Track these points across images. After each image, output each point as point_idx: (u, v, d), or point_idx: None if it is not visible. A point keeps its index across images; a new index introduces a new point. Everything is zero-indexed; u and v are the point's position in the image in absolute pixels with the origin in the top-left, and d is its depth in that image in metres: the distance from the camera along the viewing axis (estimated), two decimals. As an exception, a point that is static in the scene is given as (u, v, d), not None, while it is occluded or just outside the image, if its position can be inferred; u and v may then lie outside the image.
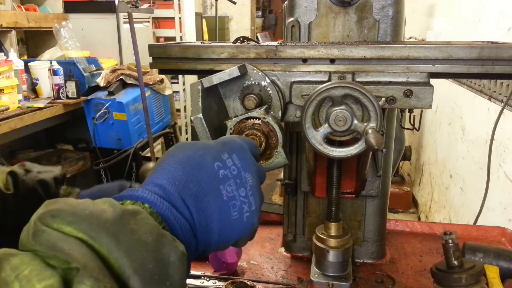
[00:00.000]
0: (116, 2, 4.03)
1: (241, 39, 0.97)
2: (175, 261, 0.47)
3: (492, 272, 1.13)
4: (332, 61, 0.90)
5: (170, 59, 0.96)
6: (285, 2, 1.19)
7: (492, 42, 0.91)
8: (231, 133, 0.85)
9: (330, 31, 1.15)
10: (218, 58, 0.92)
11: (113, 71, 3.69)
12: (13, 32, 3.46)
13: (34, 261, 0.41)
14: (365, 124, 0.81)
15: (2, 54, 3.17)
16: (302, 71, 0.91)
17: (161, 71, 1.01)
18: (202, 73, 0.93)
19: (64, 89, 3.34)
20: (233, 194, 0.56)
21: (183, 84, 5.55)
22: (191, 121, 0.83)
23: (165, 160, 0.57)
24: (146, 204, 0.51)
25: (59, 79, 3.30)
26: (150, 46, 0.96)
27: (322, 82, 0.88)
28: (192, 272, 1.25)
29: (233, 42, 0.96)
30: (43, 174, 0.78)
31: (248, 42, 0.96)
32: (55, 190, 0.78)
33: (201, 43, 1.01)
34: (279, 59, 0.91)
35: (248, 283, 1.16)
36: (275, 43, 0.93)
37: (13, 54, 3.29)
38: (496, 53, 0.84)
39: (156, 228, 0.48)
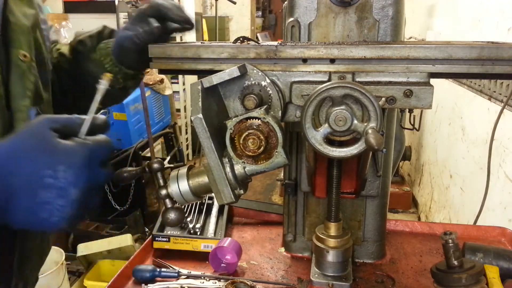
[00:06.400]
0: (116, 2, 4.04)
1: (241, 39, 0.97)
2: None
3: (492, 272, 1.13)
4: (332, 61, 0.89)
5: (170, 59, 0.95)
6: (285, 2, 1.19)
7: (492, 42, 0.91)
8: (231, 133, 0.85)
9: (330, 31, 1.15)
10: (218, 58, 0.92)
11: (113, 71, 3.68)
12: (13, 32, 3.46)
13: None
14: (365, 124, 0.81)
15: (2, 54, 3.16)
16: (302, 71, 0.91)
17: (161, 71, 1.01)
18: (202, 73, 0.93)
19: (64, 89, 3.34)
20: (50, 201, 0.62)
21: (183, 84, 5.55)
22: (191, 121, 0.84)
23: (19, 139, 0.64)
24: None
25: (59, 79, 3.30)
26: (150, 46, 0.96)
27: (322, 82, 0.88)
28: (192, 272, 1.26)
29: (233, 42, 0.96)
30: (81, 36, 1.08)
31: (248, 42, 0.96)
32: (91, 45, 1.07)
33: (201, 43, 1.01)
34: (279, 59, 0.91)
35: (248, 283, 1.16)
36: (275, 43, 0.93)
37: (13, 54, 3.29)
38: (496, 53, 0.83)
39: None
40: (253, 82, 0.90)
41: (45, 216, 0.63)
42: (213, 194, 0.88)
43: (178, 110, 5.46)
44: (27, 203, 0.62)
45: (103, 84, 0.75)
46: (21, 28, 0.89)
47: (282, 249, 1.41)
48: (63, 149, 0.63)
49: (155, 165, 0.90)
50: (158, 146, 4.53)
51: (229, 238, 1.33)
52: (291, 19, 1.15)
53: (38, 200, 0.62)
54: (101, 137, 0.70)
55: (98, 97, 0.74)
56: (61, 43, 1.17)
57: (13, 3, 0.89)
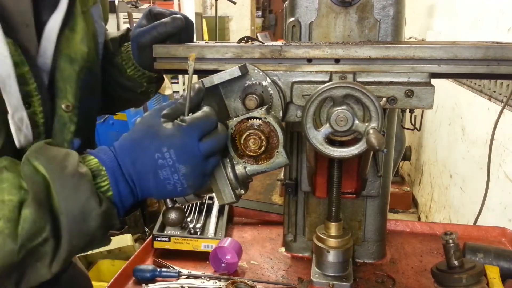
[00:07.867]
0: (116, 2, 4.03)
1: (245, 39, 0.96)
2: (95, 216, 0.71)
3: (493, 272, 1.13)
4: (337, 61, 0.89)
5: (174, 59, 0.95)
6: (286, 2, 1.19)
7: (497, 42, 0.91)
8: (232, 133, 0.85)
9: (331, 31, 1.14)
10: (222, 58, 0.92)
11: (113, 70, 3.68)
12: (13, 32, 3.45)
13: (14, 180, 0.67)
14: (366, 124, 0.81)
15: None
16: (306, 71, 0.91)
17: (165, 71, 1.01)
18: (205, 73, 0.92)
19: (64, 89, 3.33)
20: (168, 177, 0.75)
21: (183, 84, 5.54)
22: (191, 121, 0.85)
23: (127, 139, 0.78)
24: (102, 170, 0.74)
25: (59, 79, 3.29)
26: (154, 46, 0.96)
27: (323, 82, 0.88)
28: (193, 272, 1.25)
29: (238, 42, 0.96)
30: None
31: (252, 42, 0.96)
32: (113, 50, 1.08)
33: (205, 43, 1.01)
34: (284, 59, 0.90)
35: (249, 283, 1.16)
36: (279, 43, 0.93)
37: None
38: (501, 53, 0.83)
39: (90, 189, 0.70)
40: (254, 82, 0.90)
41: (171, 188, 0.76)
42: (213, 194, 0.88)
43: (178, 110, 5.44)
44: (154, 182, 0.75)
45: (191, 64, 0.82)
46: (69, 76, 0.88)
47: (283, 249, 1.41)
48: (164, 134, 0.75)
49: None
50: (158, 146, 4.52)
51: (230, 238, 1.33)
52: (292, 19, 1.15)
53: (161, 178, 0.75)
54: (198, 114, 0.78)
55: (190, 78, 0.83)
56: None
57: (65, 40, 0.87)
